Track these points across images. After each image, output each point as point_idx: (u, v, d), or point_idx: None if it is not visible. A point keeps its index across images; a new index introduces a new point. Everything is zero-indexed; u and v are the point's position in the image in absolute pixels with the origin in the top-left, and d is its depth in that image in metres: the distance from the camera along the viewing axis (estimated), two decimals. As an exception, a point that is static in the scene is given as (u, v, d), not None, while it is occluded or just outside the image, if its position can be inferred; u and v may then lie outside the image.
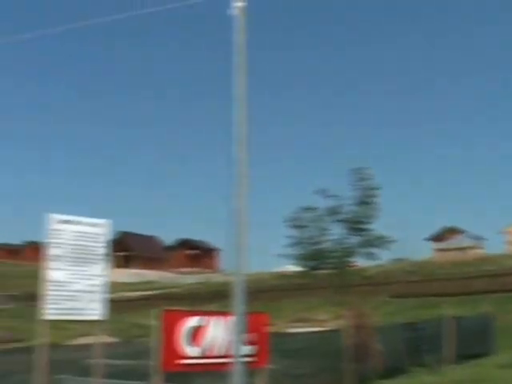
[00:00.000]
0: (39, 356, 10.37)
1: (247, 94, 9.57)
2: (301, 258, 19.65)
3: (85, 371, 14.37)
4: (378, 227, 19.33)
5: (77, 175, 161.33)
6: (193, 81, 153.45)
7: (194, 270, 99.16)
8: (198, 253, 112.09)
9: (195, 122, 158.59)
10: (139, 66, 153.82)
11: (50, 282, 10.56)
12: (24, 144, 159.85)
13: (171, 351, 11.51)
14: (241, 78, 9.56)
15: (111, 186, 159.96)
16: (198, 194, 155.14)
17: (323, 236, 19.46)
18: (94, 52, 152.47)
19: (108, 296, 11.26)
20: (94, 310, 11.01)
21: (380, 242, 19.03)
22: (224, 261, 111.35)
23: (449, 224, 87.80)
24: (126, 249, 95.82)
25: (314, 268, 19.85)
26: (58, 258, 10.64)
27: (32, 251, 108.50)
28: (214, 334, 11.98)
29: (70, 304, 10.71)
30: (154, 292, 64.48)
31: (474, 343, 21.85)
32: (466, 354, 20.31)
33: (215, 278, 78.23)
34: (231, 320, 11.44)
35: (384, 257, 20.94)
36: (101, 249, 11.17)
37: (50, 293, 10.54)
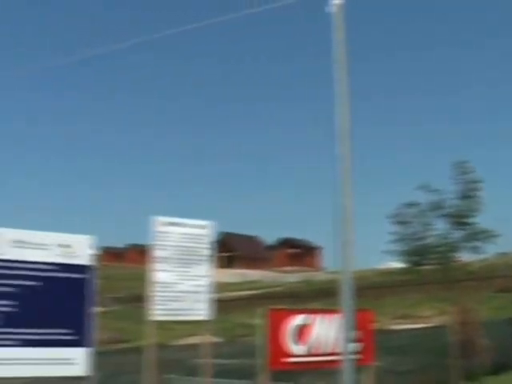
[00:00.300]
0: (148, 356, 10.56)
1: (348, 91, 9.50)
2: (404, 254, 19.44)
3: (192, 371, 14.59)
4: (481, 221, 18.94)
5: (179, 178, 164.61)
6: (293, 79, 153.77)
7: (296, 268, 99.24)
8: (299, 251, 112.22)
9: (296, 120, 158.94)
10: (237, 68, 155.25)
11: (156, 283, 10.73)
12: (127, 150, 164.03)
13: (277, 350, 11.55)
14: (341, 75, 9.49)
15: (213, 187, 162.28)
16: (300, 192, 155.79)
17: (427, 231, 19.21)
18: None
19: (213, 296, 11.37)
20: (200, 310, 11.13)
21: (484, 235, 18.60)
22: (327, 259, 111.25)
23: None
24: (229, 249, 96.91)
25: (417, 264, 19.60)
26: (163, 259, 10.81)
27: (135, 254, 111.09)
28: (320, 332, 11.96)
29: (176, 305, 10.86)
30: (257, 291, 64.83)
31: None
32: None
33: (317, 276, 78.09)
34: (336, 318, 11.41)
35: (488, 251, 20.44)
36: (205, 250, 11.29)
37: (157, 294, 10.72)
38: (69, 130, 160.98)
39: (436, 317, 34.47)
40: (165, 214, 11.06)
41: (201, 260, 11.17)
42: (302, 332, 11.83)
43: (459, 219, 18.78)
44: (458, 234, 18.98)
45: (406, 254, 19.40)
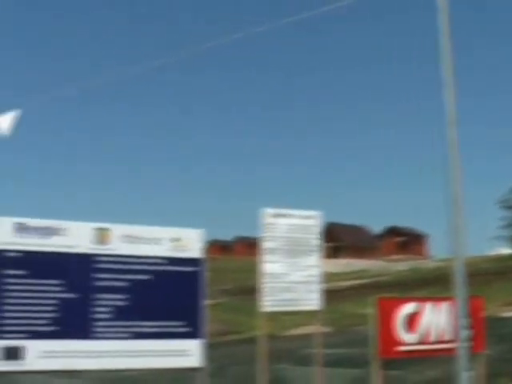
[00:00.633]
0: (259, 347, 10.70)
1: (455, 75, 9.33)
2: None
3: (303, 360, 14.71)
4: None
5: (283, 169, 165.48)
6: (399, 63, 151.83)
7: (403, 257, 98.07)
8: (406, 240, 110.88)
9: (402, 106, 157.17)
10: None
11: (266, 274, 10.84)
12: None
13: (388, 338, 11.52)
14: (447, 57, 9.32)
15: (317, 175, 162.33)
16: (405, 180, 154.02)
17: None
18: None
19: (322, 286, 11.42)
20: (310, 301, 11.18)
21: None
22: (434, 246, 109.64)
23: None
24: (335, 239, 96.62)
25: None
26: (272, 251, 10.90)
27: (242, 246, 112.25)
28: (430, 320, 11.85)
29: (286, 295, 10.94)
30: (364, 281, 64.47)
31: None
32: None
33: (424, 264, 76.98)
34: (446, 305, 11.28)
35: None
36: (314, 240, 11.32)
37: (267, 285, 10.82)
38: (182, 124, 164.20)
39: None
40: (271, 205, 11.18)
41: (310, 250, 11.20)
42: (412, 320, 11.75)
43: None
44: None
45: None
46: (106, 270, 9.27)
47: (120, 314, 9.21)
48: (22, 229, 8.91)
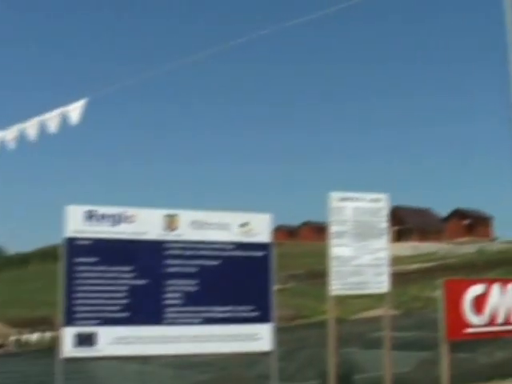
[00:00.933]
0: (329, 330, 10.69)
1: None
2: None
3: (371, 344, 14.63)
4: None
5: (349, 152, 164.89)
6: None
7: (469, 239, 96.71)
8: (471, 222, 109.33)
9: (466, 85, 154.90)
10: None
11: (334, 258, 10.80)
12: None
13: (456, 321, 11.43)
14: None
15: (383, 159, 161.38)
16: (470, 162, 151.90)
17: None
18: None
19: (389, 269, 11.32)
20: (379, 283, 11.10)
21: None
22: (500, 228, 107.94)
23: None
24: (400, 222, 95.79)
25: None
26: (340, 234, 10.84)
27: (309, 231, 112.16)
28: (498, 302, 11.70)
29: (355, 279, 10.87)
30: (431, 264, 63.87)
31: None
32: None
33: (490, 246, 75.81)
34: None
35: None
36: (381, 223, 11.22)
37: (335, 269, 10.77)
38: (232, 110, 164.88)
39: None
40: (338, 188, 11.11)
41: (378, 233, 11.10)
42: (479, 302, 11.62)
43: None
44: None
45: None
46: (175, 256, 9.35)
47: (190, 299, 9.29)
48: (92, 216, 9.05)
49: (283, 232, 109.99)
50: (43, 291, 69.34)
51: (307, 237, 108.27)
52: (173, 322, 9.19)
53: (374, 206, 11.14)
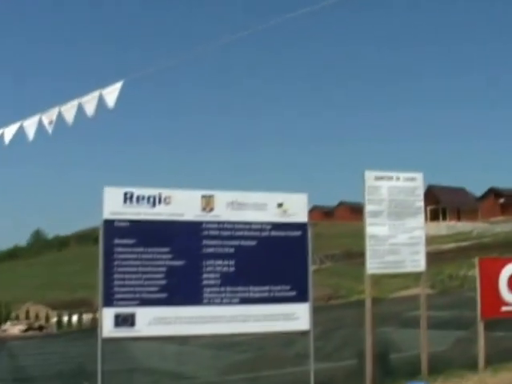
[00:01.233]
0: (365, 310, 10.71)
1: None
2: None
3: (407, 323, 14.65)
4: None
5: (384, 131, 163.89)
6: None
7: (504, 218, 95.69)
8: (507, 201, 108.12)
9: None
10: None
11: (371, 237, 10.78)
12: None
13: (491, 299, 11.41)
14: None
15: (418, 138, 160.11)
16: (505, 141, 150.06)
17: None
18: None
19: (425, 248, 11.29)
20: (415, 262, 11.06)
21: None
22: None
23: None
24: (435, 201, 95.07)
25: None
26: (376, 213, 10.82)
27: (344, 211, 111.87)
28: (533, 280, 11.64)
29: (391, 258, 10.85)
30: (466, 243, 63.51)
31: None
32: None
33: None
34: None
35: None
36: (417, 202, 11.17)
37: (371, 248, 10.76)
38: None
39: None
40: (373, 168, 11.07)
41: (413, 212, 11.06)
42: (514, 280, 11.58)
43: None
44: None
45: None
46: (212, 236, 9.39)
47: (228, 279, 9.33)
48: (129, 198, 9.13)
49: (319, 212, 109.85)
50: (81, 274, 70.30)
51: (343, 217, 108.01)
52: (210, 303, 9.25)
53: (410, 184, 11.09)
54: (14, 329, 48.87)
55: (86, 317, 47.01)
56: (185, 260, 9.19)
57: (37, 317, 59.58)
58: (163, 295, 9.07)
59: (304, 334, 9.92)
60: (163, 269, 9.09)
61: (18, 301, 67.64)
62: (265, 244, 9.62)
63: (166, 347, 13.49)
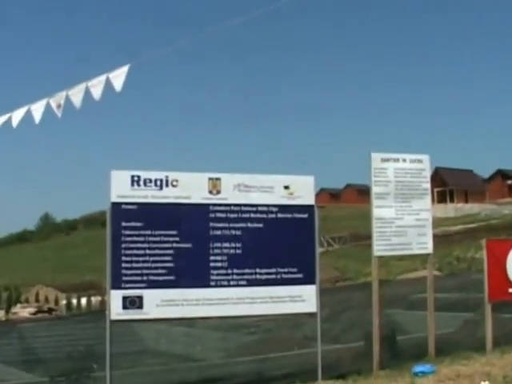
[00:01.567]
0: (372, 292, 10.73)
1: None
2: None
3: (414, 305, 14.67)
4: None
5: (390, 112, 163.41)
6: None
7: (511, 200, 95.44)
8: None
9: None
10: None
11: (377, 219, 10.78)
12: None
13: (498, 281, 11.41)
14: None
15: (425, 119, 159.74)
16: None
17: None
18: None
19: (433, 230, 11.28)
20: (422, 244, 11.07)
21: None
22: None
23: None
24: (442, 183, 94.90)
25: None
26: (382, 195, 10.81)
27: (351, 194, 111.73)
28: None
29: (397, 240, 10.85)
30: (474, 225, 63.41)
31: None
32: None
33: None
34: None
35: None
36: (424, 184, 11.16)
37: (378, 230, 10.77)
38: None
39: None
40: (379, 150, 11.06)
41: (420, 194, 11.05)
42: (522, 262, 11.57)
43: None
44: None
45: None
46: (220, 219, 9.41)
47: (235, 261, 9.37)
48: (136, 181, 9.15)
49: (326, 195, 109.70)
50: (90, 257, 70.52)
51: (350, 199, 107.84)
52: (218, 285, 9.29)
53: (416, 166, 11.08)
54: (24, 311, 49.12)
55: (95, 299, 47.26)
56: (192, 242, 9.23)
57: (46, 300, 59.93)
58: (170, 277, 9.12)
59: (311, 316, 9.97)
60: (170, 251, 9.13)
61: (28, 284, 67.97)
62: (271, 226, 9.65)
63: (173, 329, 13.56)
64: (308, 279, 9.74)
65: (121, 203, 9.06)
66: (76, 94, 10.70)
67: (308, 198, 9.93)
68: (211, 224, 9.36)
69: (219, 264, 9.31)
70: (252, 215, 9.56)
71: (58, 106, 10.76)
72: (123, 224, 9.04)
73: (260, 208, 9.61)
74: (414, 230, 10.94)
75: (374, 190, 10.80)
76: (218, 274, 9.30)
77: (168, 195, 9.25)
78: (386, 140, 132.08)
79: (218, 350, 13.11)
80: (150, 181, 9.19)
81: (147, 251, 9.06)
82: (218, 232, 9.38)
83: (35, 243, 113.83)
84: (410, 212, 10.91)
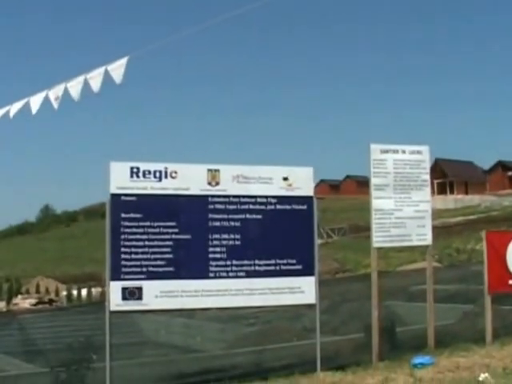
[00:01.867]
0: (371, 283, 10.74)
1: None
2: None
3: (414, 296, 14.68)
4: None
5: (389, 105, 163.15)
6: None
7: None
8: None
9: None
10: None
11: (376, 210, 10.78)
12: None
13: (498, 273, 11.41)
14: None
15: (425, 111, 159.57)
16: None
17: None
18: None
19: (432, 222, 11.28)
20: (421, 236, 11.07)
21: None
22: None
23: None
24: (442, 175, 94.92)
25: None
26: (382, 187, 10.81)
27: (351, 185, 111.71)
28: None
29: (396, 231, 10.85)
30: (474, 216, 63.45)
31: None
32: None
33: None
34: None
35: None
36: (423, 175, 11.15)
37: (377, 221, 10.77)
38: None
39: None
40: (379, 141, 11.05)
41: (419, 186, 11.04)
42: (522, 253, 11.57)
43: None
44: None
45: None
46: (218, 210, 9.42)
47: (234, 253, 9.38)
48: (136, 173, 9.15)
49: (325, 187, 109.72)
50: (90, 248, 70.63)
51: (349, 191, 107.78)
52: (217, 276, 9.30)
53: (415, 157, 11.07)
54: (25, 303, 49.22)
55: (95, 291, 47.33)
56: (191, 234, 9.24)
57: (47, 291, 59.96)
58: (170, 269, 9.13)
59: (310, 307, 9.98)
60: (169, 243, 9.14)
61: (29, 275, 68.09)
62: (270, 218, 9.65)
63: (173, 320, 13.57)
64: (307, 270, 9.74)
65: (120, 195, 9.07)
66: (75, 86, 10.69)
67: (307, 190, 9.93)
68: (210, 215, 9.37)
69: (218, 255, 9.32)
70: (251, 206, 9.57)
71: (56, 98, 10.76)
72: (122, 215, 9.05)
73: (259, 199, 9.61)
74: (414, 222, 10.94)
75: (374, 181, 10.79)
76: (217, 266, 9.31)
77: (167, 187, 9.25)
78: (388, 132, 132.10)
79: (217, 341, 13.13)
80: (149, 172, 9.19)
81: (146, 242, 9.07)
82: (217, 223, 9.38)
83: (36, 235, 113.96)
84: (410, 203, 10.91)
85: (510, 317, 12.69)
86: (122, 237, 9.02)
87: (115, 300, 8.95)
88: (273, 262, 9.56)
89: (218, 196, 9.44)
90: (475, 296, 12.72)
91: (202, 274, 9.26)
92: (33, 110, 10.98)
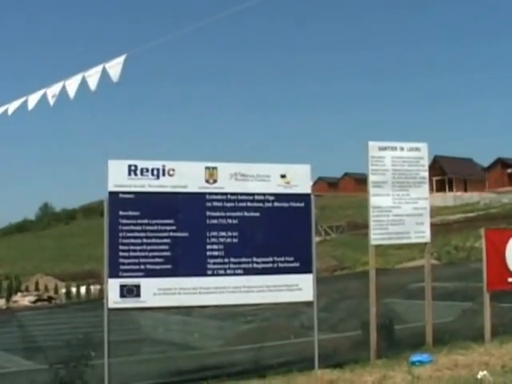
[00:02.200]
0: (369, 280, 10.73)
1: None
2: None
3: (412, 294, 14.68)
4: None
5: (388, 101, 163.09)
6: None
7: (511, 189, 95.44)
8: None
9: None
10: None
11: (374, 208, 10.77)
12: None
13: (497, 270, 11.42)
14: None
15: (424, 107, 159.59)
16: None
17: None
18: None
19: (431, 219, 11.26)
20: (420, 233, 11.06)
21: None
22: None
23: None
24: (441, 172, 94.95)
25: None
26: (380, 184, 10.79)
27: (349, 183, 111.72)
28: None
29: (394, 228, 10.84)
30: (473, 214, 63.42)
31: None
32: None
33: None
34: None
35: None
36: (421, 172, 11.13)
37: (375, 219, 10.76)
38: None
39: None
40: (378, 138, 11.04)
41: (418, 183, 11.03)
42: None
43: None
44: None
45: None
46: (216, 208, 9.43)
47: (231, 250, 9.39)
48: (134, 171, 9.15)
49: (323, 184, 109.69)
50: (89, 246, 70.67)
51: (347, 189, 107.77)
52: (215, 274, 9.31)
53: (414, 155, 11.05)
54: (24, 300, 49.23)
55: (94, 288, 47.36)
56: (189, 231, 9.25)
57: (46, 288, 59.94)
58: (168, 266, 9.14)
59: (308, 304, 9.98)
60: (167, 240, 9.15)
61: (28, 273, 68.06)
62: (268, 215, 9.66)
63: (171, 318, 13.58)
64: (305, 268, 9.75)
65: (118, 192, 9.08)
66: (72, 84, 10.69)
67: (304, 187, 9.93)
68: (208, 213, 9.37)
69: (216, 253, 9.33)
70: (249, 204, 9.57)
71: (53, 96, 10.77)
72: (120, 213, 9.07)
73: (257, 197, 9.62)
74: (412, 219, 10.93)
75: (372, 178, 10.78)
76: (214, 263, 9.32)
77: (165, 184, 9.26)
78: (386, 129, 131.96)
79: (215, 338, 13.13)
80: (147, 170, 9.20)
81: (144, 240, 9.09)
82: (215, 221, 9.39)
83: (35, 233, 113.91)
84: (408, 201, 10.90)
85: (509, 315, 12.69)
86: (120, 234, 9.03)
87: (113, 297, 8.97)
88: (270, 259, 9.56)
89: (216, 193, 9.44)
90: (474, 294, 12.72)
91: (199, 271, 9.27)
92: (29, 107, 10.99)
